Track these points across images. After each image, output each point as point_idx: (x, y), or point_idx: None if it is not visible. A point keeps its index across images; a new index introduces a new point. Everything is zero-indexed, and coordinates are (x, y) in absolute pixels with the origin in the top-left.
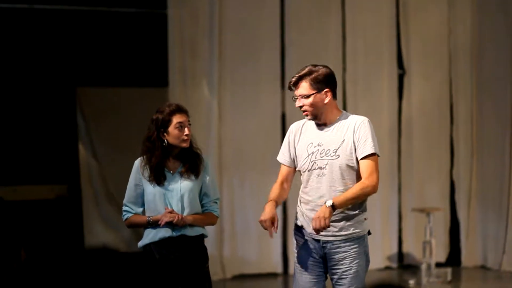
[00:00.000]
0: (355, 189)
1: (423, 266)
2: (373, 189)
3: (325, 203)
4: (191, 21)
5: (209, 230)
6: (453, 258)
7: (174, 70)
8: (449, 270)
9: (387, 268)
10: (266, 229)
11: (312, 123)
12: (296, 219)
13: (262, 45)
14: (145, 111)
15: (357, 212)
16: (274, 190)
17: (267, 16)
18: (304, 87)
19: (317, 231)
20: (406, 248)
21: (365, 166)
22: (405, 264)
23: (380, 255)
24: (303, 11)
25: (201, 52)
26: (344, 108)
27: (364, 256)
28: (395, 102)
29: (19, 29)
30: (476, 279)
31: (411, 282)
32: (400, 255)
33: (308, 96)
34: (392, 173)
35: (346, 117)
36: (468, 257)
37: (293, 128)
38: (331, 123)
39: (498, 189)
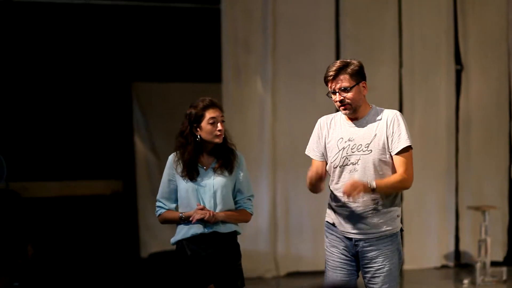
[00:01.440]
0: (394, 178)
1: (478, 265)
2: (410, 183)
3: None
4: (244, 16)
5: (263, 227)
6: (511, 258)
7: (228, 65)
8: (504, 269)
9: (444, 266)
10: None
11: (342, 117)
12: (327, 216)
13: (317, 39)
14: None
15: (389, 208)
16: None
17: (322, 10)
18: (345, 79)
19: (345, 194)
20: (463, 247)
21: (401, 161)
22: (462, 263)
23: (437, 253)
24: (359, 5)
25: (254, 47)
26: (401, 103)
27: (397, 253)
28: (453, 97)
29: (76, 25)
30: None
31: (466, 281)
32: (457, 253)
33: (350, 89)
34: (449, 170)
35: (377, 111)
36: None
37: (322, 123)
38: (362, 117)
39: None
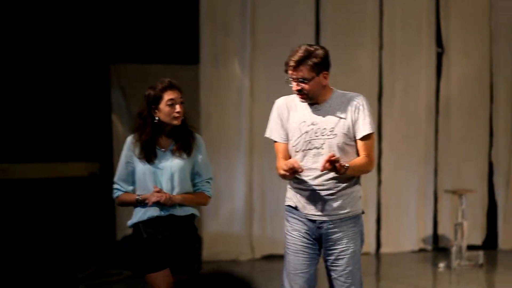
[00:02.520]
0: (361, 161)
1: (454, 249)
2: (372, 167)
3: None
4: None
5: (239, 209)
6: (490, 241)
7: (206, 47)
8: (481, 253)
9: (422, 250)
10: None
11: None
12: (288, 200)
13: (297, 22)
14: None
15: (353, 189)
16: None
17: None
18: (305, 70)
19: (327, 165)
20: (441, 230)
21: (365, 145)
22: (440, 247)
23: (415, 237)
24: None
25: (233, 30)
26: (380, 86)
27: (360, 235)
28: (433, 80)
29: (54, 6)
30: (511, 262)
31: (441, 265)
32: (436, 237)
33: (308, 80)
34: (428, 153)
35: (339, 95)
36: (505, 240)
37: (281, 104)
38: (324, 101)
39: None
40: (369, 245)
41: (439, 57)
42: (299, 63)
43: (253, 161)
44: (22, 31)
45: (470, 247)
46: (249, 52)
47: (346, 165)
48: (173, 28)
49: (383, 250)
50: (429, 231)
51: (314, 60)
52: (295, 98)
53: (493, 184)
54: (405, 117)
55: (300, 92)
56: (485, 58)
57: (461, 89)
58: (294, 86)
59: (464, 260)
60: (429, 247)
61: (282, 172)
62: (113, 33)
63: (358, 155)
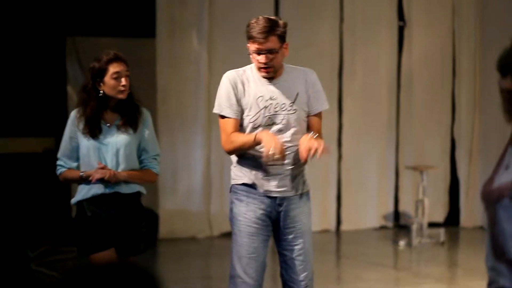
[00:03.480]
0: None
1: (414, 227)
2: None
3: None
4: None
5: (196, 186)
6: (452, 219)
7: (162, 20)
8: (442, 230)
9: (383, 227)
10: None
11: (254, 74)
12: (240, 178)
13: None
14: (132, 62)
15: (304, 167)
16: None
17: None
18: (274, 41)
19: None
20: (402, 207)
21: (317, 121)
22: (401, 224)
23: (376, 214)
24: None
25: (190, 2)
26: (341, 60)
27: (311, 212)
28: (395, 54)
29: None
30: (472, 240)
31: (402, 243)
32: (396, 214)
33: (276, 51)
34: (390, 129)
35: (291, 69)
36: (467, 218)
37: (232, 78)
38: (279, 75)
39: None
40: (329, 222)
41: (401, 30)
42: (268, 33)
43: (211, 136)
44: None
45: (432, 225)
46: (207, 23)
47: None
48: (129, 1)
49: (344, 227)
50: (390, 208)
51: (280, 29)
52: (245, 71)
53: (455, 160)
54: (366, 92)
55: (267, 65)
56: (448, 32)
57: (423, 63)
58: (262, 58)
59: (425, 238)
60: (390, 224)
61: (270, 154)
62: (69, 6)
63: (308, 131)
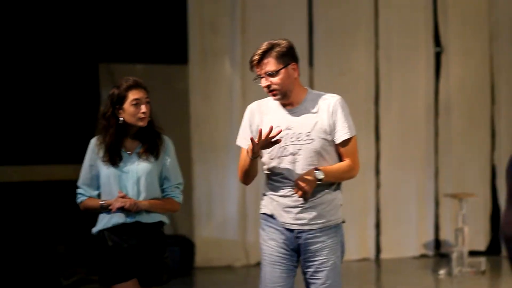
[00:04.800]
0: (342, 167)
1: (454, 255)
2: (356, 172)
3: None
4: None
5: (232, 214)
6: (494, 247)
7: (194, 47)
8: (483, 259)
9: (423, 256)
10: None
11: (274, 103)
12: (263, 207)
13: (288, 19)
14: (165, 89)
15: (333, 197)
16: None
17: None
18: (271, 63)
19: (301, 190)
20: (443, 236)
21: (346, 150)
22: (442, 253)
23: (416, 242)
24: None
25: (222, 28)
26: (377, 87)
27: (341, 246)
28: (432, 81)
29: (43, 5)
30: None
31: (442, 272)
32: (438, 242)
33: (276, 73)
34: (428, 156)
35: (315, 96)
36: None
37: (253, 109)
38: (299, 102)
39: None
40: (369, 251)
41: (438, 56)
42: (263, 55)
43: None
44: (11, 31)
45: (473, 253)
46: (239, 50)
47: (320, 176)
48: (161, 27)
49: (383, 255)
50: (430, 237)
51: (278, 49)
52: (268, 101)
53: (496, 187)
54: (404, 119)
55: (269, 88)
56: (486, 58)
57: (461, 89)
58: (263, 82)
59: (466, 267)
60: (430, 253)
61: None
62: (103, 32)
63: (340, 159)
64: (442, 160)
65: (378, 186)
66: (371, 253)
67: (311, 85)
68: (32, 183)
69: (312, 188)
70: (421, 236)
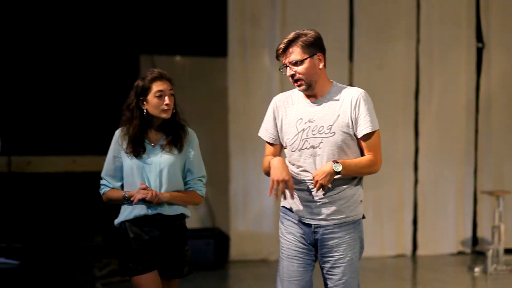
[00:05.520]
0: (363, 161)
1: (490, 253)
2: (378, 167)
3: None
4: None
5: (268, 208)
6: None
7: (234, 39)
8: None
9: (460, 253)
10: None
11: (300, 96)
12: (283, 201)
13: (329, 13)
14: (203, 81)
15: (353, 193)
16: (269, 157)
17: None
18: (296, 52)
19: (318, 184)
20: (481, 233)
21: (368, 144)
22: (479, 250)
23: (453, 239)
24: None
25: (262, 22)
26: (417, 82)
27: (359, 242)
28: (473, 76)
29: None
30: None
31: (477, 270)
32: (475, 240)
33: (300, 62)
34: (468, 152)
35: (339, 89)
36: None
37: (278, 101)
38: (323, 95)
39: None
40: (405, 247)
41: (479, 52)
42: (289, 44)
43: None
44: (52, 22)
45: (510, 251)
46: (279, 42)
47: (338, 168)
48: (201, 20)
49: (420, 252)
50: (468, 234)
51: (305, 39)
52: (293, 94)
53: None
54: (443, 115)
55: (293, 77)
56: None
57: (503, 86)
58: (287, 71)
59: (501, 265)
60: (468, 250)
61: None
62: (144, 24)
63: (362, 154)
64: (481, 157)
65: (416, 182)
66: (408, 250)
67: (350, 79)
68: (74, 174)
69: (329, 182)
70: (458, 233)
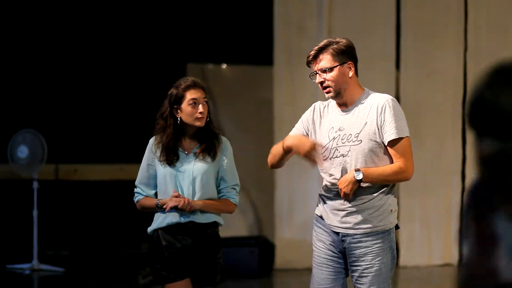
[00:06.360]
0: (388, 168)
1: None
2: (408, 175)
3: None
4: None
5: (312, 216)
6: None
7: (280, 48)
8: None
9: None
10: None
11: (333, 105)
12: (316, 208)
13: (375, 22)
14: (249, 89)
15: (382, 202)
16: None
17: None
18: (326, 59)
19: (342, 192)
20: None
21: (396, 151)
22: None
23: None
24: None
25: (308, 30)
26: (465, 89)
27: (390, 252)
28: None
29: (132, 6)
30: None
31: None
32: None
33: (330, 69)
34: None
35: (368, 96)
36: None
37: (317, 107)
38: (352, 103)
39: None
40: (452, 256)
41: None
42: (319, 51)
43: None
44: (100, 31)
45: None
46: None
47: (359, 176)
48: (248, 29)
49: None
50: None
51: (336, 46)
52: (329, 103)
53: None
54: None
55: (323, 85)
56: None
57: None
58: (317, 78)
59: None
60: None
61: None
62: (191, 33)
63: (392, 161)
64: None
65: (463, 190)
66: (454, 259)
67: (397, 88)
68: (121, 182)
69: (352, 190)
70: None
